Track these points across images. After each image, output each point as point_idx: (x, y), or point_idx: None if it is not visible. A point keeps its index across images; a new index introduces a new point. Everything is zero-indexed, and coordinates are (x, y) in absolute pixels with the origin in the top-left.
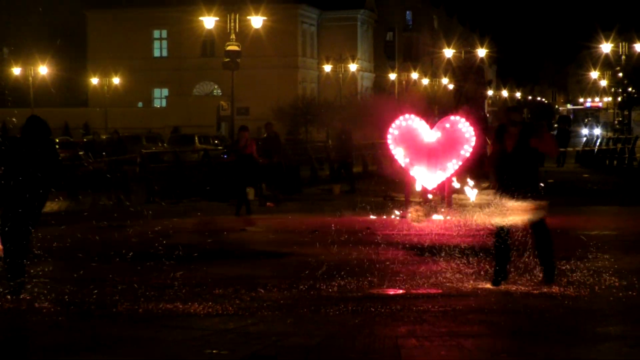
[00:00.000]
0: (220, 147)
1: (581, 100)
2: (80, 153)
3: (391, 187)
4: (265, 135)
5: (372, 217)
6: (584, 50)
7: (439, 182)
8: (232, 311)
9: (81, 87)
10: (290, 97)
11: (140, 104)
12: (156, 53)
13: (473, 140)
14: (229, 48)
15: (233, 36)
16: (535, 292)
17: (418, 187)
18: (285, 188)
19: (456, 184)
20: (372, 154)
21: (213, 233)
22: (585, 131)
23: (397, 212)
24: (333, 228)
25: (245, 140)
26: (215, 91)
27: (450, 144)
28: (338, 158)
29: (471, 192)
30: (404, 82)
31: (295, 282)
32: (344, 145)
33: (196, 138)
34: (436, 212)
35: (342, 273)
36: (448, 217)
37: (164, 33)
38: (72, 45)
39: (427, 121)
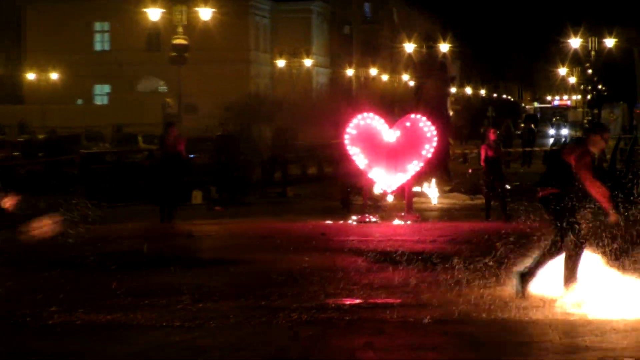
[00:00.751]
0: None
1: (549, 98)
2: (16, 154)
3: (348, 190)
4: (221, 133)
5: (327, 222)
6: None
7: (399, 184)
8: (177, 323)
9: (16, 83)
10: (242, 93)
11: (80, 101)
12: (97, 47)
13: (435, 140)
14: (176, 42)
15: (180, 29)
16: (503, 299)
17: (377, 190)
18: (236, 191)
19: (417, 186)
20: (328, 154)
21: (157, 239)
22: (552, 131)
23: (354, 217)
24: (286, 234)
25: (173, 137)
26: (160, 88)
27: (410, 144)
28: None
29: (433, 195)
30: (362, 78)
31: (245, 291)
32: (281, 145)
33: (140, 137)
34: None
35: (296, 282)
36: (408, 222)
37: (106, 25)
38: (6, 39)
39: (386, 120)
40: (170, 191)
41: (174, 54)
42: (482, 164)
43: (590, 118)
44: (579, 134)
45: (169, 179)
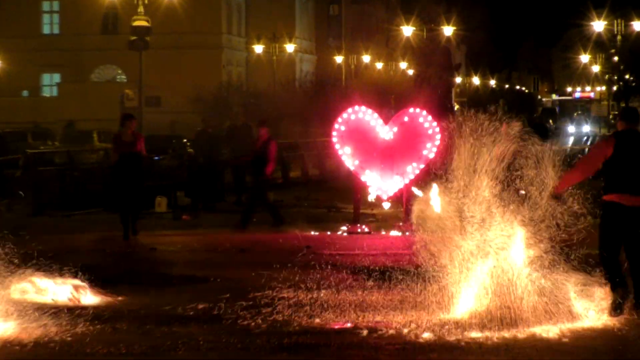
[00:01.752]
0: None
1: (569, 89)
2: None
3: (337, 196)
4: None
5: (313, 232)
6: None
7: (397, 189)
8: (138, 350)
9: None
10: (213, 84)
11: (25, 93)
12: (46, 30)
13: (438, 138)
14: (136, 24)
15: (141, 9)
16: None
17: (371, 196)
18: (207, 197)
19: (418, 192)
20: (314, 155)
21: (115, 253)
22: (572, 128)
23: (344, 227)
24: (265, 246)
25: (131, 133)
26: (119, 77)
27: (409, 143)
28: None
29: (436, 202)
30: (352, 67)
31: (218, 313)
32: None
33: (95, 135)
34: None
35: (276, 302)
36: (407, 233)
37: (55, 5)
38: None
39: (381, 114)
40: (131, 198)
41: (133, 37)
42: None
43: (616, 112)
44: (603, 131)
45: (127, 184)
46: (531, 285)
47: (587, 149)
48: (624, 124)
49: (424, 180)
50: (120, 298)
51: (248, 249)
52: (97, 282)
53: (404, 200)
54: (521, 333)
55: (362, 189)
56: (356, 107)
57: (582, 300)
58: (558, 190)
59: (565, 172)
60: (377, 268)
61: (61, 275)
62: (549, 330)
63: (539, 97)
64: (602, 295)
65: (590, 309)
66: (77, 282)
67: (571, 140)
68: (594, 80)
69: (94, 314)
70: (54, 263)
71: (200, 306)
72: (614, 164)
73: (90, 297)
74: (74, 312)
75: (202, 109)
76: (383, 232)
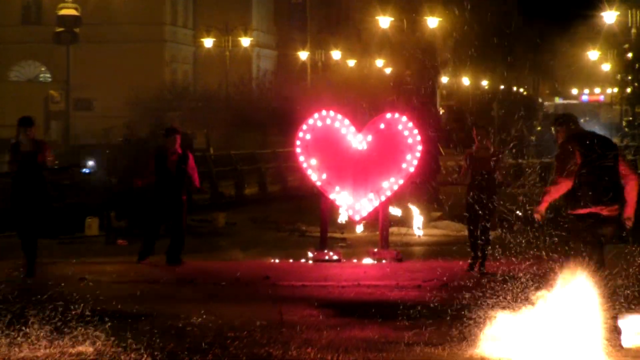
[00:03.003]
0: (49, 158)
1: (575, 91)
2: None
3: (301, 217)
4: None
5: (272, 260)
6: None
7: (371, 209)
8: None
9: None
10: (154, 84)
11: None
12: None
13: (419, 148)
14: (63, 12)
15: None
16: None
17: (341, 217)
18: (144, 218)
19: (395, 212)
20: (273, 168)
21: (35, 284)
22: None
23: (309, 254)
24: (215, 277)
25: (32, 142)
26: (42, 75)
27: (386, 154)
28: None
29: (417, 224)
30: (319, 64)
31: (157, 358)
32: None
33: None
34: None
35: (229, 343)
36: (384, 261)
37: None
38: None
39: (353, 120)
40: (29, 221)
41: (60, 29)
42: (464, 181)
43: (630, 118)
44: (615, 140)
45: (25, 204)
46: None
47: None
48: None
49: (403, 198)
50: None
51: (194, 280)
52: (11, 319)
53: (380, 221)
54: None
55: (330, 208)
56: (324, 112)
57: None
58: (542, 208)
59: (546, 188)
60: (348, 302)
61: None
62: None
63: (540, 100)
64: None
65: None
66: None
67: None
68: (604, 81)
69: None
70: None
71: (136, 348)
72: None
73: None
74: None
75: (142, 114)
76: (355, 260)
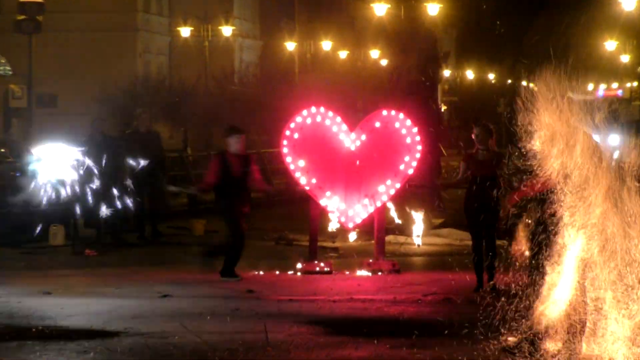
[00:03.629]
0: (9, 158)
1: (590, 86)
2: None
3: (288, 224)
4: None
5: (256, 272)
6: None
7: (365, 215)
8: None
9: None
10: (125, 77)
11: None
12: None
13: (419, 149)
14: None
15: None
16: None
17: (332, 225)
18: (115, 226)
19: (393, 218)
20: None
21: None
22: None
23: (297, 265)
24: (194, 290)
25: None
26: (2, 68)
27: (382, 154)
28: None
29: (417, 232)
30: (308, 56)
31: None
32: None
33: None
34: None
35: None
36: (379, 273)
37: None
38: None
39: (345, 118)
40: None
41: (21, 17)
42: (462, 184)
43: None
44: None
45: None
46: None
47: None
48: None
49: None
50: None
51: (171, 294)
52: None
53: (375, 229)
54: None
55: (320, 215)
56: (313, 109)
57: None
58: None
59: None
60: (340, 318)
61: None
62: None
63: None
64: None
65: None
66: None
67: None
68: (623, 73)
69: None
70: None
71: None
72: None
73: None
74: None
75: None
76: (348, 272)
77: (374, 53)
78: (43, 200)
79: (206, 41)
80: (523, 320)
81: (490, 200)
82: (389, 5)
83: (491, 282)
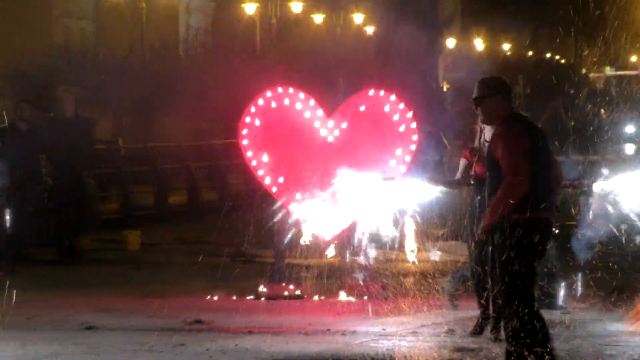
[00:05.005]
0: None
1: (633, 58)
2: None
3: (248, 236)
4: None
5: (208, 296)
6: None
7: (347, 225)
8: None
9: None
10: (39, 48)
11: None
12: None
13: (414, 139)
14: None
15: None
16: None
17: (305, 236)
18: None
19: (381, 228)
20: (209, 167)
21: None
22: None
23: (261, 288)
24: (125, 318)
25: None
26: None
27: (369, 147)
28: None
29: (411, 246)
30: (274, 21)
31: None
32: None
33: None
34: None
35: None
36: (365, 297)
37: None
38: None
39: (321, 100)
40: None
41: None
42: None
43: None
44: None
45: None
46: None
47: None
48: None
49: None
50: None
51: (99, 324)
52: None
53: (359, 242)
54: None
55: (289, 224)
56: (280, 89)
57: None
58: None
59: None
60: (314, 356)
61: None
62: None
63: (584, 71)
64: None
65: None
66: None
67: (632, 148)
68: None
69: None
70: None
71: None
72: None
73: None
74: None
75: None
76: (324, 297)
77: (358, 17)
78: None
79: (142, 1)
80: None
81: None
82: None
83: (497, 334)
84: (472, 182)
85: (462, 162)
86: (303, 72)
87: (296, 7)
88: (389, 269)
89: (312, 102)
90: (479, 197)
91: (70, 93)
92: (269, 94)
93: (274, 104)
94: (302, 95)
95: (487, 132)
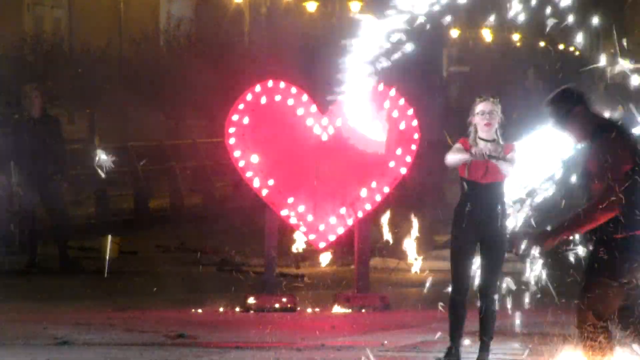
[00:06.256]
0: None
1: None
2: None
3: (235, 243)
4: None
5: (193, 309)
6: None
7: (343, 231)
8: None
9: None
10: (8, 39)
11: None
12: None
13: (416, 137)
14: None
15: None
16: None
17: (298, 243)
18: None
19: (380, 235)
20: (192, 168)
21: None
22: None
23: (250, 300)
24: (105, 334)
25: None
26: None
27: (365, 147)
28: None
29: (412, 254)
30: (263, 9)
31: None
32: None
33: None
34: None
35: None
36: (362, 310)
37: None
38: None
39: (314, 95)
40: None
41: None
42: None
43: None
44: None
45: None
46: None
47: None
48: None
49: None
50: None
51: (74, 339)
52: None
53: (356, 250)
54: None
55: (280, 230)
56: (270, 83)
57: None
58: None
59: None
60: None
61: None
62: None
63: (601, 63)
64: None
65: None
66: None
67: None
68: None
69: None
70: None
71: None
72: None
73: None
74: None
75: None
76: (318, 309)
77: (354, 5)
78: None
79: None
80: None
81: (494, 223)
82: None
83: (484, 354)
84: (465, 187)
85: (458, 146)
86: (295, 65)
87: None
88: (388, 279)
89: (304, 97)
90: (468, 205)
91: (38, 90)
92: (258, 88)
93: (263, 100)
94: (293, 90)
95: (482, 145)
